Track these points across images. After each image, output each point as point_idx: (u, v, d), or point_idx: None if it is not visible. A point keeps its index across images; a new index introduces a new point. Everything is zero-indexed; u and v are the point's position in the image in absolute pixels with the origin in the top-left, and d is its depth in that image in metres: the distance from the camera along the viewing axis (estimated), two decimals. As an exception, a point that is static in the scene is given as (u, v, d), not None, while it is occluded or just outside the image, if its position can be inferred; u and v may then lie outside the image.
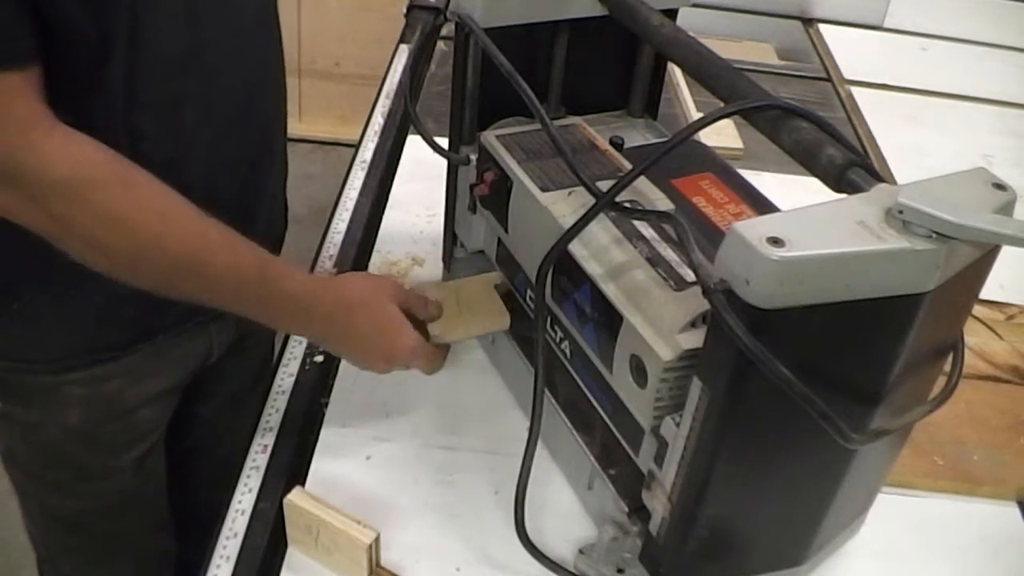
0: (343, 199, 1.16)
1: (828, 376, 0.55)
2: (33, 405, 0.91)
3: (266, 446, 0.83)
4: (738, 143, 1.39)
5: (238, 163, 0.87)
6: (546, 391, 0.75)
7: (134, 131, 0.75)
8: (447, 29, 0.86)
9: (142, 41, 0.73)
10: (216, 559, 0.73)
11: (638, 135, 0.92)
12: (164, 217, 0.71)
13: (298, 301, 0.77)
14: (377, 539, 0.71)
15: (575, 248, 0.70)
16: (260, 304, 0.77)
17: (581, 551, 0.75)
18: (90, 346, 0.88)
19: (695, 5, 0.89)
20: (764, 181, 1.01)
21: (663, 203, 0.73)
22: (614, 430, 0.74)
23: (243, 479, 0.80)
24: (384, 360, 0.80)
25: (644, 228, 0.72)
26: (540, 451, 0.78)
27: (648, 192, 0.74)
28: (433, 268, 1.03)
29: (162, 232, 0.71)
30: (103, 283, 0.81)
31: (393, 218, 1.14)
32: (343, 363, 0.92)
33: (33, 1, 0.65)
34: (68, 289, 0.84)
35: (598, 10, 0.81)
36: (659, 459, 0.65)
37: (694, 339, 0.62)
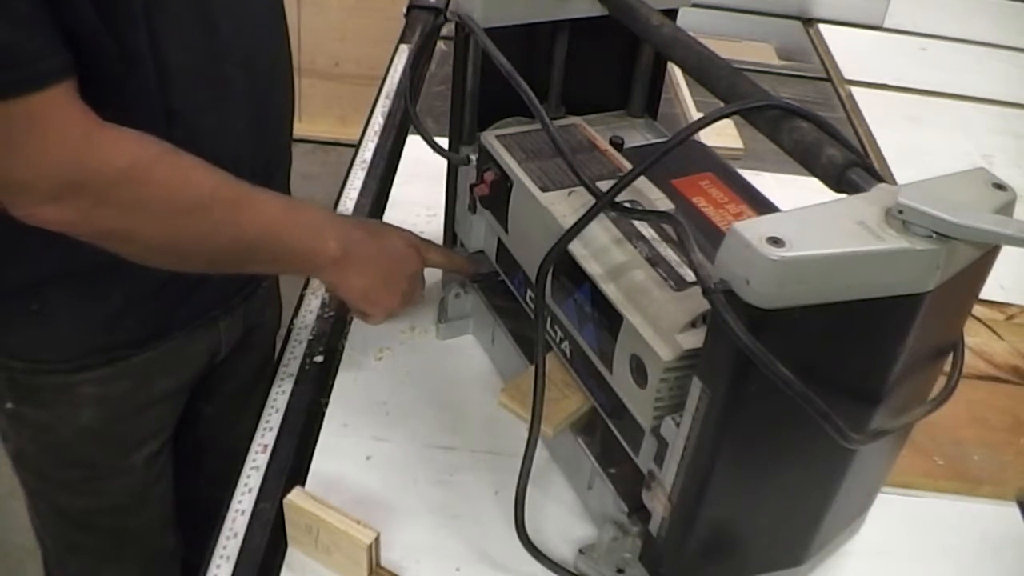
0: (343, 199, 1.16)
1: (828, 376, 0.54)
2: (45, 405, 0.92)
3: (266, 446, 0.83)
4: (738, 143, 1.39)
5: (255, 165, 0.88)
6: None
7: (165, 140, 0.77)
8: (447, 29, 0.86)
9: (165, 52, 0.74)
10: (216, 559, 0.73)
11: (638, 135, 0.92)
12: (215, 176, 0.75)
13: (325, 213, 0.84)
14: (377, 539, 0.71)
15: (575, 248, 0.70)
16: (290, 228, 0.79)
17: (581, 551, 0.75)
18: (105, 345, 0.89)
19: (695, 5, 0.89)
20: (764, 181, 1.01)
21: (663, 203, 0.73)
22: (614, 430, 0.74)
23: (243, 479, 0.80)
24: (386, 284, 0.86)
25: (644, 228, 0.72)
26: (540, 451, 0.78)
27: (648, 192, 0.74)
28: (433, 268, 1.03)
29: (219, 189, 0.75)
30: (121, 283, 0.83)
31: (393, 218, 1.14)
32: (343, 363, 0.93)
33: (59, 18, 0.66)
34: (87, 290, 0.84)
35: (598, 10, 0.81)
36: (659, 459, 0.65)
37: (694, 339, 0.62)
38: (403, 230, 0.91)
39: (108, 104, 0.72)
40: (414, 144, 1.28)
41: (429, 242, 0.92)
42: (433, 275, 1.02)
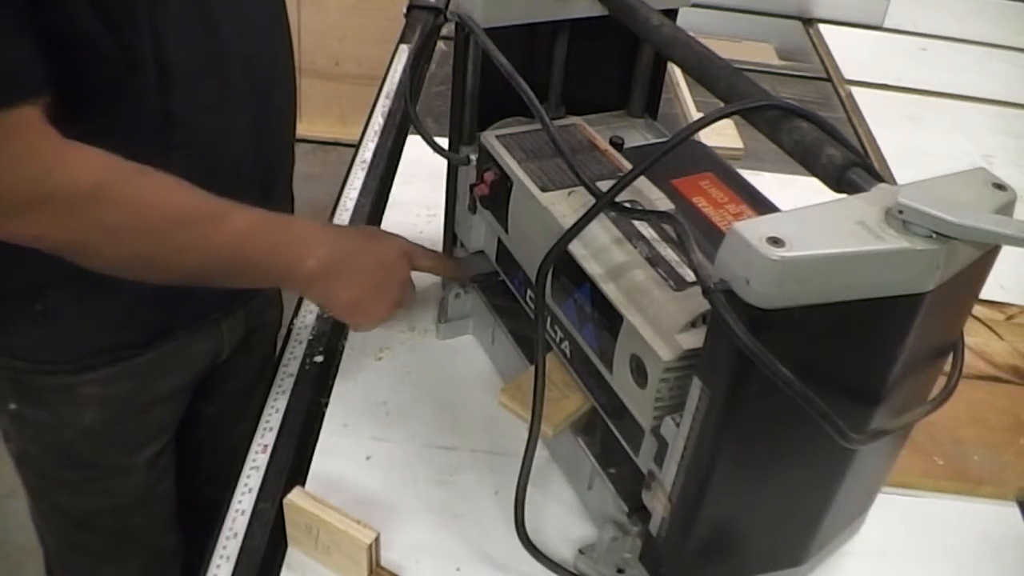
0: (343, 199, 1.16)
1: (828, 376, 0.54)
2: (48, 405, 0.92)
3: (266, 446, 0.83)
4: (738, 143, 1.39)
5: (257, 166, 0.88)
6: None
7: (166, 144, 0.77)
8: (447, 29, 0.86)
9: (167, 53, 0.74)
10: (216, 559, 0.73)
11: (638, 135, 0.92)
12: (185, 194, 0.74)
13: (309, 228, 0.82)
14: (377, 539, 0.71)
15: (575, 248, 0.70)
16: (265, 247, 0.79)
17: (581, 551, 0.75)
18: (109, 346, 0.89)
19: (695, 5, 0.89)
20: (764, 181, 1.01)
21: (663, 203, 0.73)
22: (614, 430, 0.74)
23: (243, 479, 0.80)
24: (375, 294, 0.84)
25: (644, 228, 0.72)
26: (540, 451, 0.78)
27: (648, 192, 0.74)
28: (424, 273, 1.03)
29: (188, 210, 0.74)
30: (124, 285, 0.82)
31: (393, 218, 1.14)
32: (343, 363, 0.93)
33: (49, 26, 0.66)
34: (92, 291, 0.84)
35: (598, 10, 0.81)
36: (659, 459, 0.65)
37: (694, 339, 0.62)
38: (394, 236, 0.90)
39: (106, 106, 0.72)
40: (414, 144, 1.28)
41: (420, 247, 0.91)
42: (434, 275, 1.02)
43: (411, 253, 0.89)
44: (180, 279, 0.79)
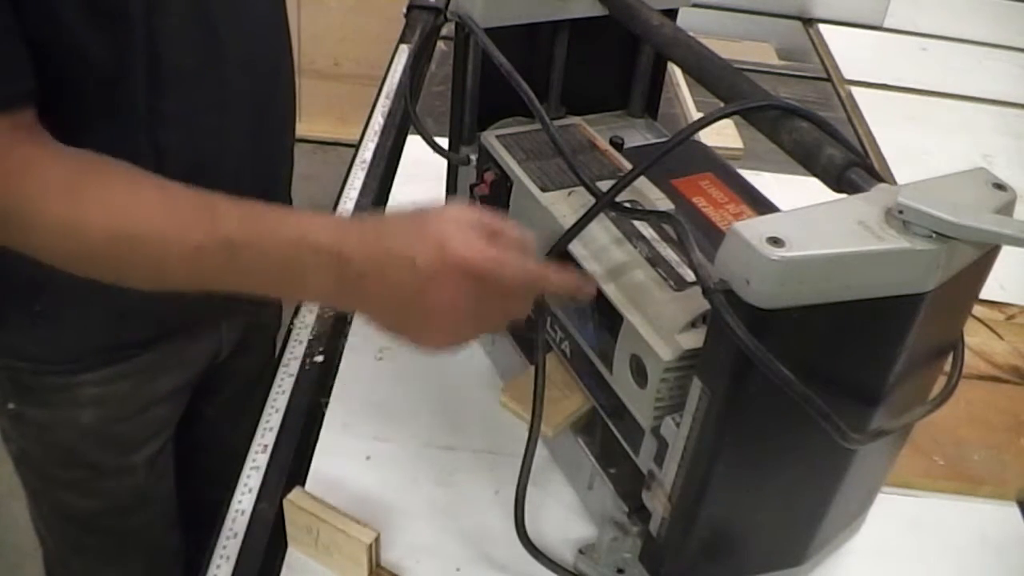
0: (343, 199, 1.16)
1: (828, 376, 0.55)
2: (47, 405, 0.92)
3: (266, 446, 0.83)
4: (738, 143, 1.39)
5: (258, 163, 0.88)
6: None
7: (158, 145, 0.76)
8: (447, 29, 0.86)
9: (161, 55, 0.73)
10: (216, 559, 0.73)
11: (638, 135, 0.92)
12: (136, 203, 0.65)
13: (307, 242, 0.62)
14: (377, 539, 0.71)
15: (575, 248, 0.70)
16: (240, 274, 0.64)
17: (581, 551, 0.75)
18: (108, 346, 0.89)
19: (695, 5, 0.89)
20: (764, 181, 1.01)
21: (663, 203, 0.73)
22: (614, 430, 0.74)
23: (243, 479, 0.80)
24: (414, 324, 0.63)
25: (644, 228, 0.72)
26: (540, 451, 0.78)
27: (648, 192, 0.74)
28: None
29: (114, 230, 0.65)
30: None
31: (393, 218, 1.14)
32: (343, 363, 0.92)
33: (31, 33, 0.64)
34: (91, 291, 0.83)
35: (598, 10, 0.81)
36: (659, 459, 0.65)
37: (694, 339, 0.62)
38: (460, 232, 0.61)
39: (92, 108, 0.71)
40: (414, 144, 1.28)
41: (510, 241, 0.63)
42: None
43: (492, 256, 0.61)
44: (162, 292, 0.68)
